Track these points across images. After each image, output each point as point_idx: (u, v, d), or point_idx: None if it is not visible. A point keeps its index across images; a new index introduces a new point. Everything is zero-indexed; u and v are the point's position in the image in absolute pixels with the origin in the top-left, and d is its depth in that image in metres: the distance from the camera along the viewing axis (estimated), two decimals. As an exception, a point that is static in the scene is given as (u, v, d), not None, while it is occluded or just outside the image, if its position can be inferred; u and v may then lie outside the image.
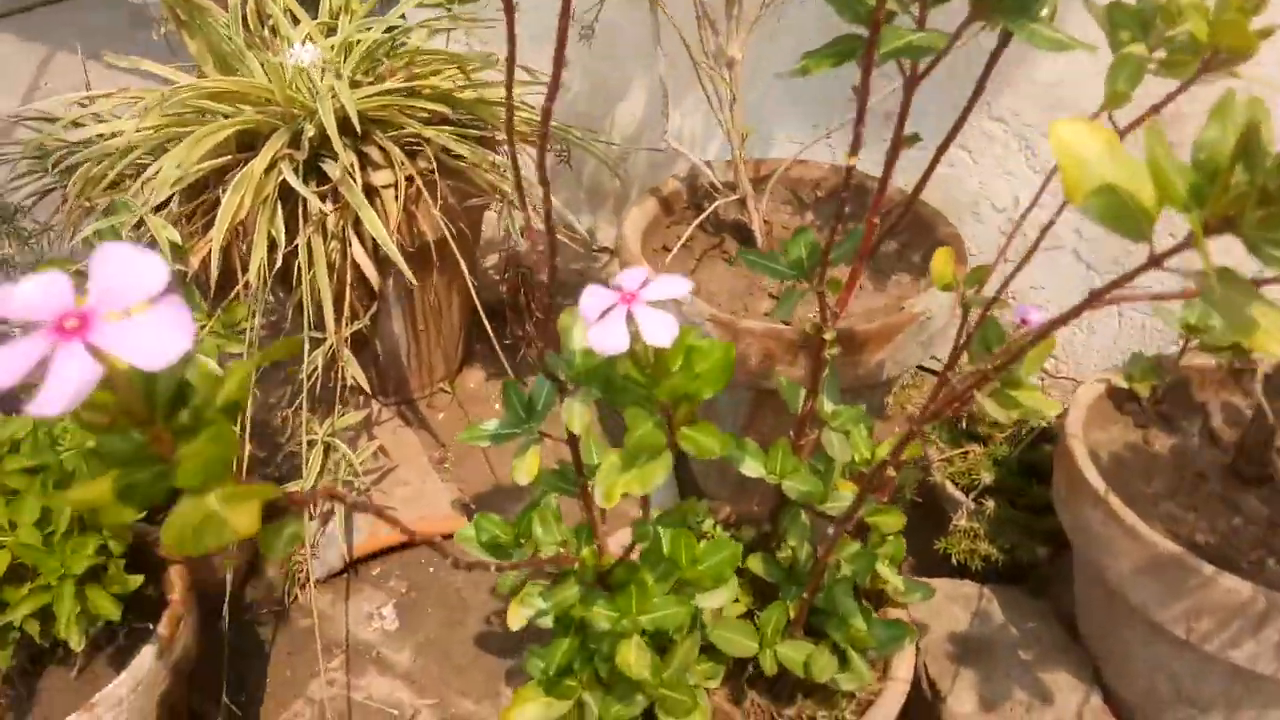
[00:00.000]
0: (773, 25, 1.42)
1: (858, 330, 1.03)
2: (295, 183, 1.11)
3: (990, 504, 1.17)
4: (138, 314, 0.24)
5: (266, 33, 1.30)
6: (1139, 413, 1.06)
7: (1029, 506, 1.18)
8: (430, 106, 1.25)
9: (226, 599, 1.14)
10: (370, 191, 1.19)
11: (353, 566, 1.33)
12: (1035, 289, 1.42)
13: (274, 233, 1.12)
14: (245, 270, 1.13)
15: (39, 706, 0.96)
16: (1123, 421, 1.06)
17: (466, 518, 1.38)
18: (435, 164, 1.21)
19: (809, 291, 0.75)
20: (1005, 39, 0.57)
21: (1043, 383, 1.50)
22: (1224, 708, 0.92)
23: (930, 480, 1.24)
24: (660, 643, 0.76)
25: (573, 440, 0.79)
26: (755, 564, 0.90)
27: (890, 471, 0.74)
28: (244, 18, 1.27)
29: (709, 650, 0.83)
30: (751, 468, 0.79)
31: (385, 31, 1.28)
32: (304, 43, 1.16)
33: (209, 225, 1.14)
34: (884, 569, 0.87)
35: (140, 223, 1.05)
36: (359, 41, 1.27)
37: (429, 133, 1.22)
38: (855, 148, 0.56)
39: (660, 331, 0.45)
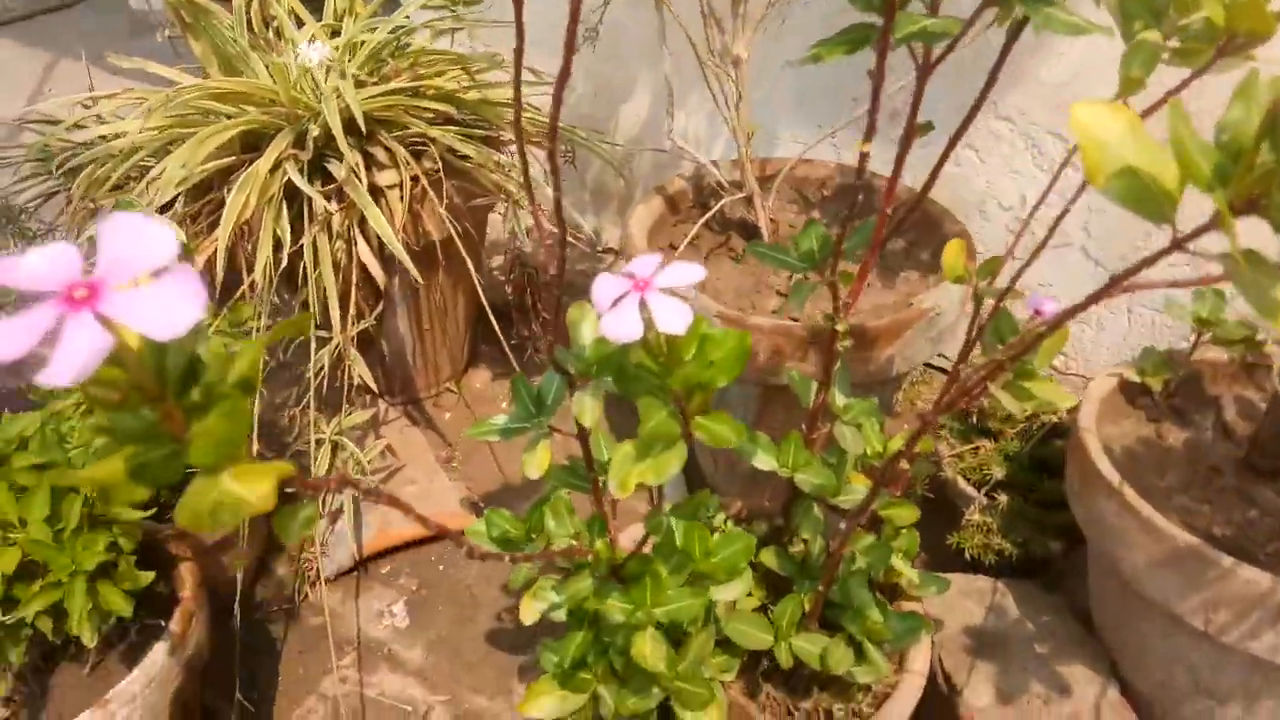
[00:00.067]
0: (778, 26, 1.42)
1: (867, 326, 1.02)
2: (300, 182, 1.11)
3: (1003, 499, 1.16)
4: (148, 284, 0.23)
5: (271, 34, 1.30)
6: (1151, 407, 1.05)
7: (1041, 501, 1.17)
8: (435, 106, 1.25)
9: (238, 597, 1.14)
10: (375, 191, 1.19)
11: (363, 564, 1.33)
12: (1044, 286, 1.41)
13: (279, 233, 1.12)
14: (251, 270, 1.13)
15: (52, 703, 0.96)
16: (1135, 416, 1.05)
17: (475, 515, 1.38)
18: (440, 164, 1.20)
19: (819, 285, 0.75)
20: (1018, 28, 0.56)
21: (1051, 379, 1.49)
22: (1243, 699, 0.91)
23: (942, 475, 1.24)
24: (675, 636, 0.76)
25: (583, 434, 0.78)
26: (768, 558, 0.89)
27: (903, 464, 0.73)
28: (248, 20, 1.27)
29: (724, 644, 0.82)
30: (764, 461, 0.78)
31: (390, 32, 1.28)
32: (311, 42, 1.16)
33: (214, 225, 1.13)
34: (898, 562, 0.86)
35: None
36: (363, 42, 1.27)
37: (434, 133, 1.21)
38: (869, 134, 0.55)
39: (674, 319, 0.44)
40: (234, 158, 1.18)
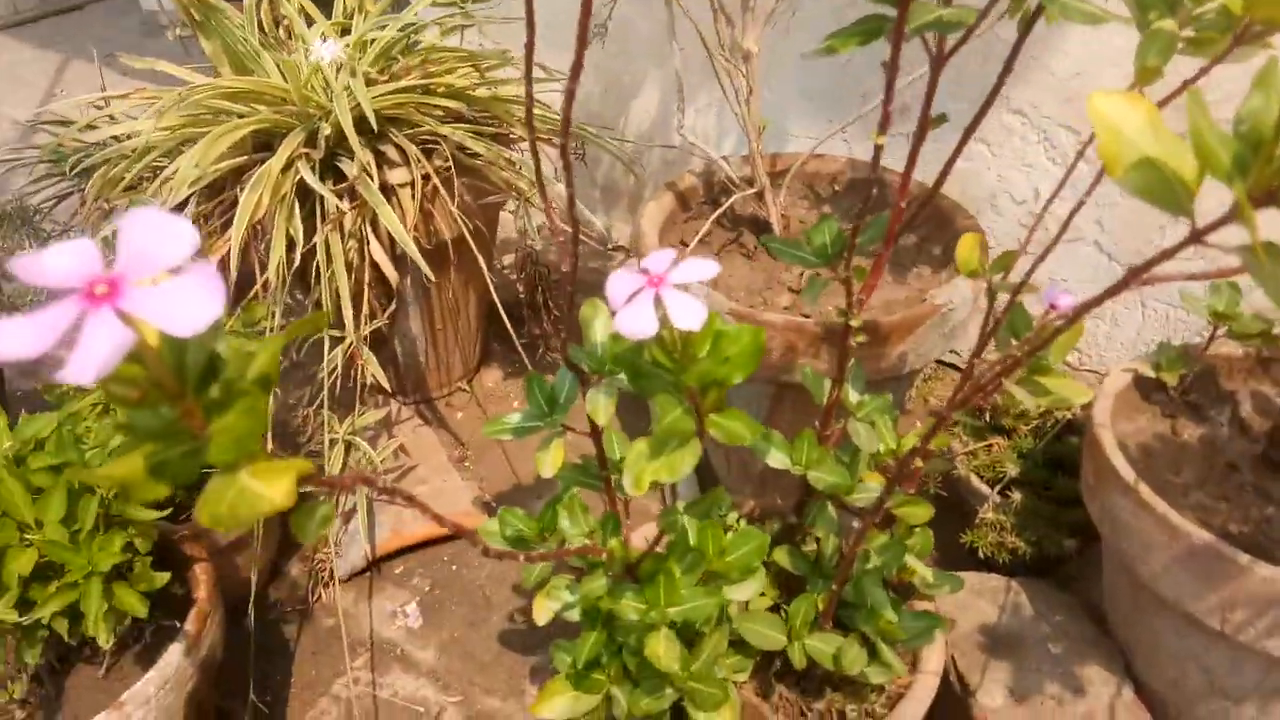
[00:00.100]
0: (787, 20, 1.41)
1: (880, 322, 1.02)
2: (313, 181, 1.12)
3: (1016, 496, 1.16)
4: (168, 280, 0.23)
5: (281, 33, 1.30)
6: (1167, 402, 1.04)
7: (1055, 499, 1.17)
8: (446, 104, 1.25)
9: (252, 597, 1.14)
10: (387, 190, 1.19)
11: (375, 565, 1.33)
12: (1056, 280, 1.41)
13: (292, 232, 1.12)
14: (264, 270, 1.13)
15: (68, 705, 0.97)
16: (1150, 411, 1.04)
17: (487, 515, 1.38)
18: (451, 161, 1.20)
19: (833, 280, 0.74)
20: (1031, 20, 0.56)
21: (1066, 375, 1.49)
22: (1258, 699, 0.91)
23: (955, 473, 1.23)
24: (688, 636, 0.76)
25: (595, 433, 0.78)
26: (781, 557, 0.89)
27: (918, 462, 0.73)
28: (259, 19, 1.28)
29: (737, 644, 0.82)
30: (777, 459, 0.78)
31: (400, 30, 1.28)
32: (324, 39, 1.16)
33: (227, 225, 1.14)
34: (912, 560, 0.86)
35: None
36: (374, 40, 1.27)
37: (445, 130, 1.22)
38: (884, 126, 0.55)
39: (689, 315, 0.44)
40: (246, 157, 1.18)
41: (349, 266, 1.15)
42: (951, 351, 1.56)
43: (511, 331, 1.29)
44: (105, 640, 0.88)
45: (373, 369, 1.20)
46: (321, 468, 1.22)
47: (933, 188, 0.68)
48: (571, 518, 0.78)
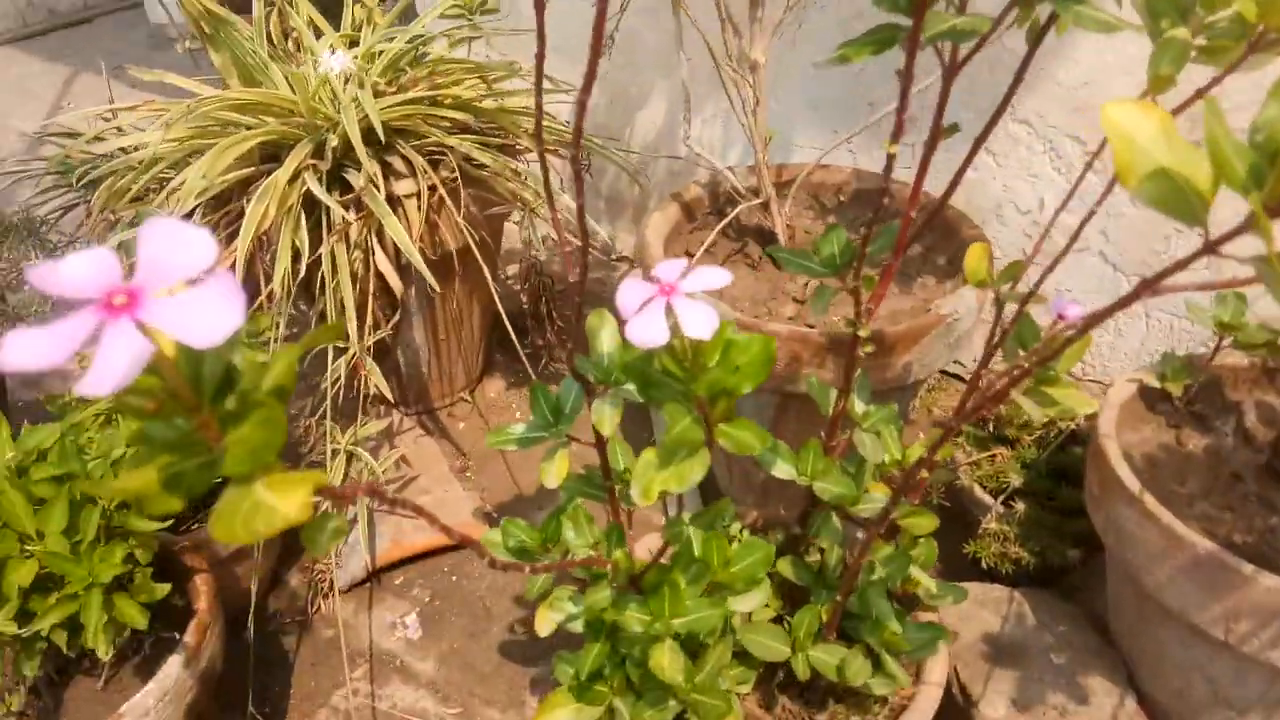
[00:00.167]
0: (794, 31, 1.42)
1: (885, 332, 1.02)
2: (319, 192, 1.12)
3: (1020, 507, 1.15)
4: (187, 290, 0.23)
5: (290, 45, 1.31)
6: (1171, 413, 1.04)
7: (1058, 509, 1.16)
8: (453, 115, 1.25)
9: (251, 609, 1.14)
10: (393, 201, 1.19)
11: (375, 575, 1.32)
12: (1061, 290, 1.41)
13: (298, 243, 1.12)
14: (269, 280, 1.13)
15: (66, 717, 0.96)
16: (1155, 421, 1.04)
17: (488, 526, 1.38)
18: (458, 172, 1.21)
19: (840, 291, 0.74)
20: (1043, 30, 0.56)
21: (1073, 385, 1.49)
22: (1262, 710, 0.90)
23: (958, 483, 1.23)
24: (692, 647, 0.75)
25: (600, 443, 0.78)
26: (785, 567, 0.88)
27: (923, 473, 0.72)
28: (268, 31, 1.28)
29: (740, 655, 0.82)
30: (783, 470, 0.78)
31: (408, 42, 1.29)
32: (333, 51, 1.17)
33: (233, 236, 1.14)
34: (916, 571, 0.86)
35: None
36: (382, 52, 1.27)
37: (451, 141, 1.22)
38: (896, 135, 0.55)
39: (700, 324, 0.44)
40: (253, 168, 1.18)
41: (354, 277, 1.15)
42: (955, 362, 1.56)
43: (515, 342, 1.29)
44: (104, 652, 0.87)
45: (376, 379, 1.20)
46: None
47: (942, 198, 0.68)
48: (576, 529, 0.78)
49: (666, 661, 0.68)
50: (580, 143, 0.49)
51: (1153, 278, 0.46)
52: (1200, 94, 0.54)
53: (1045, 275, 0.69)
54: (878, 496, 0.82)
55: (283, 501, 0.27)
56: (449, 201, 1.21)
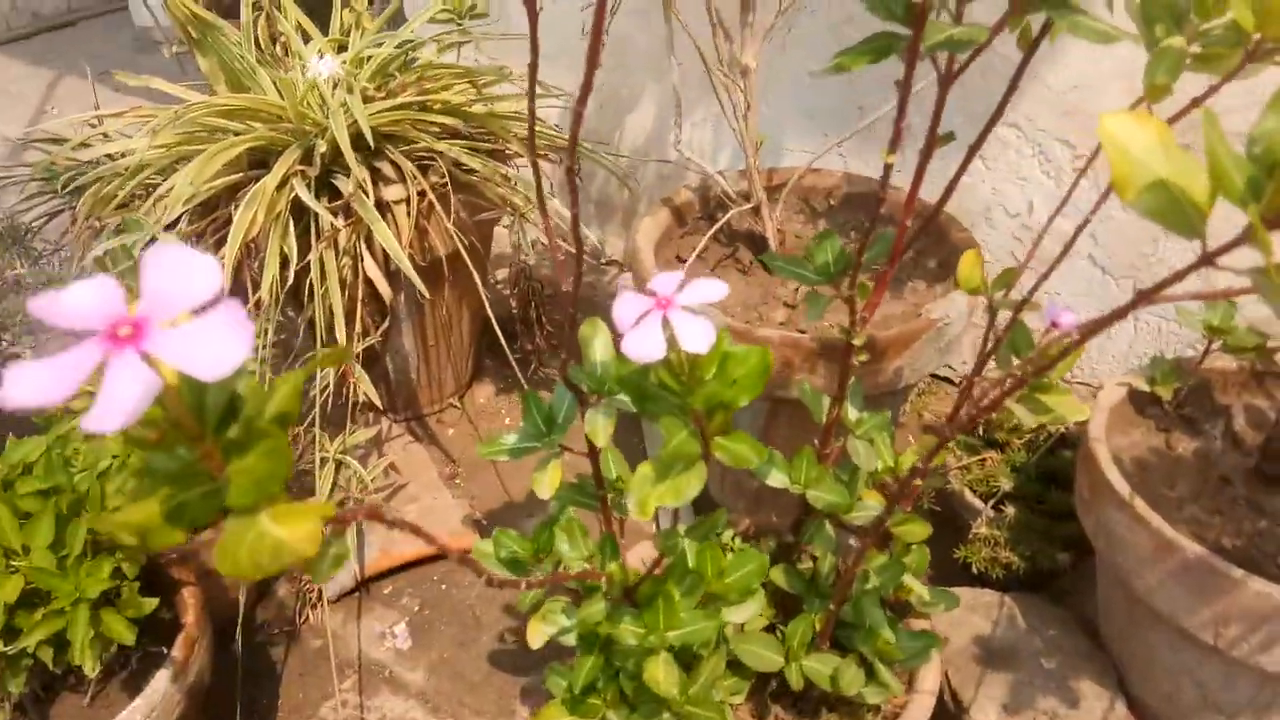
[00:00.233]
0: (784, 35, 1.42)
1: (877, 337, 1.02)
2: (308, 198, 1.11)
3: (1010, 511, 1.16)
4: (192, 320, 0.23)
5: (278, 50, 1.30)
6: (1161, 416, 1.05)
7: (1048, 513, 1.17)
8: (442, 121, 1.24)
9: (239, 620, 1.13)
10: (382, 206, 1.18)
11: (364, 585, 1.31)
12: (1050, 294, 1.41)
13: (286, 249, 1.12)
14: (256, 288, 1.12)
15: (53, 733, 0.95)
16: (1145, 425, 1.05)
17: (478, 533, 1.37)
18: (448, 178, 1.20)
19: (834, 298, 0.74)
20: (1037, 39, 0.56)
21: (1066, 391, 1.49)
22: (1251, 714, 0.91)
23: (948, 488, 1.23)
24: (686, 658, 0.75)
25: (593, 452, 0.77)
26: (777, 576, 0.88)
27: (917, 481, 0.72)
28: (256, 36, 1.27)
29: (733, 665, 0.81)
30: (778, 479, 0.78)
31: (397, 47, 1.28)
32: (321, 56, 1.16)
33: (220, 243, 1.13)
34: (909, 579, 0.86)
35: (152, 241, 1.05)
36: (371, 57, 1.26)
37: (441, 147, 1.21)
38: (894, 145, 0.55)
39: (697, 338, 0.44)
40: (241, 174, 1.17)
41: (343, 284, 1.14)
42: (946, 365, 1.56)
43: (505, 347, 1.28)
44: (91, 669, 0.86)
45: (365, 387, 1.19)
46: (311, 488, 1.20)
47: (937, 205, 0.68)
48: (571, 541, 0.77)
49: (661, 675, 0.68)
50: (575, 158, 0.48)
51: (1150, 289, 0.46)
52: (1196, 103, 0.54)
53: (1040, 282, 0.69)
54: (871, 504, 0.82)
55: (290, 534, 0.26)
56: (438, 207, 1.20)
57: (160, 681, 0.90)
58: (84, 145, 1.26)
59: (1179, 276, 0.44)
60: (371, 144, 1.13)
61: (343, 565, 0.27)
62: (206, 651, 0.99)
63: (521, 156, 1.34)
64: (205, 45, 1.22)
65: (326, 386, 1.17)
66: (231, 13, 1.28)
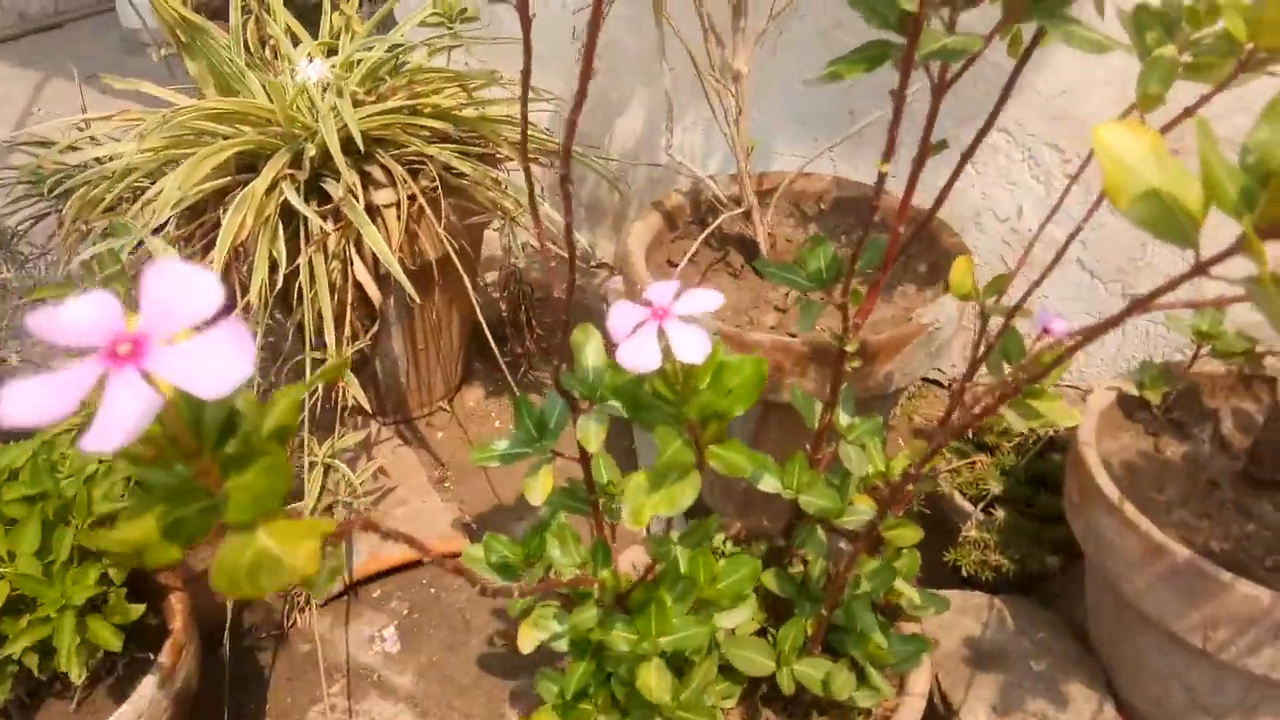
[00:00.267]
0: (774, 39, 1.42)
1: (867, 341, 1.02)
2: (297, 202, 1.10)
3: (999, 514, 1.16)
4: (192, 337, 0.22)
5: (267, 53, 1.29)
6: (1150, 420, 1.05)
7: (1037, 516, 1.17)
8: (432, 124, 1.24)
9: (227, 625, 1.12)
10: (372, 210, 1.18)
11: (353, 589, 1.31)
12: (1039, 298, 1.42)
13: (275, 254, 1.11)
14: (245, 292, 1.12)
15: (38, 741, 0.94)
16: (1133, 429, 1.05)
17: (467, 537, 1.37)
18: (438, 182, 1.20)
19: (828, 304, 0.74)
20: (1031, 45, 0.56)
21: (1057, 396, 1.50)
22: (1239, 716, 0.91)
23: (938, 491, 1.23)
24: (678, 663, 0.75)
25: (584, 458, 0.77)
26: (769, 580, 0.88)
27: (909, 486, 0.72)
28: (245, 39, 1.26)
29: (724, 669, 0.81)
30: (769, 484, 0.78)
31: (387, 50, 1.27)
32: (310, 60, 1.15)
33: (208, 247, 1.12)
34: (900, 583, 0.86)
35: (139, 245, 1.04)
36: (360, 61, 1.26)
37: (431, 150, 1.21)
38: (889, 154, 0.55)
39: (693, 348, 0.44)
40: (229, 178, 1.16)
41: (332, 288, 1.14)
42: (935, 369, 1.57)
43: (495, 350, 1.28)
44: (78, 676, 0.85)
45: (354, 390, 1.18)
46: (300, 492, 1.20)
47: (930, 212, 0.69)
48: (563, 547, 0.77)
49: (654, 681, 0.68)
50: (569, 166, 0.48)
51: (1143, 299, 0.46)
52: (1189, 113, 0.54)
53: (1031, 289, 0.69)
54: (863, 509, 0.82)
55: (289, 552, 0.26)
56: (429, 211, 1.20)
57: (147, 688, 0.89)
58: (73, 149, 1.25)
59: (1171, 286, 0.44)
60: (361, 148, 1.13)
61: (338, 578, 0.27)
62: (194, 657, 0.98)
63: (512, 160, 1.33)
64: (194, 49, 1.21)
65: (316, 390, 1.17)
66: (220, 14, 1.27)
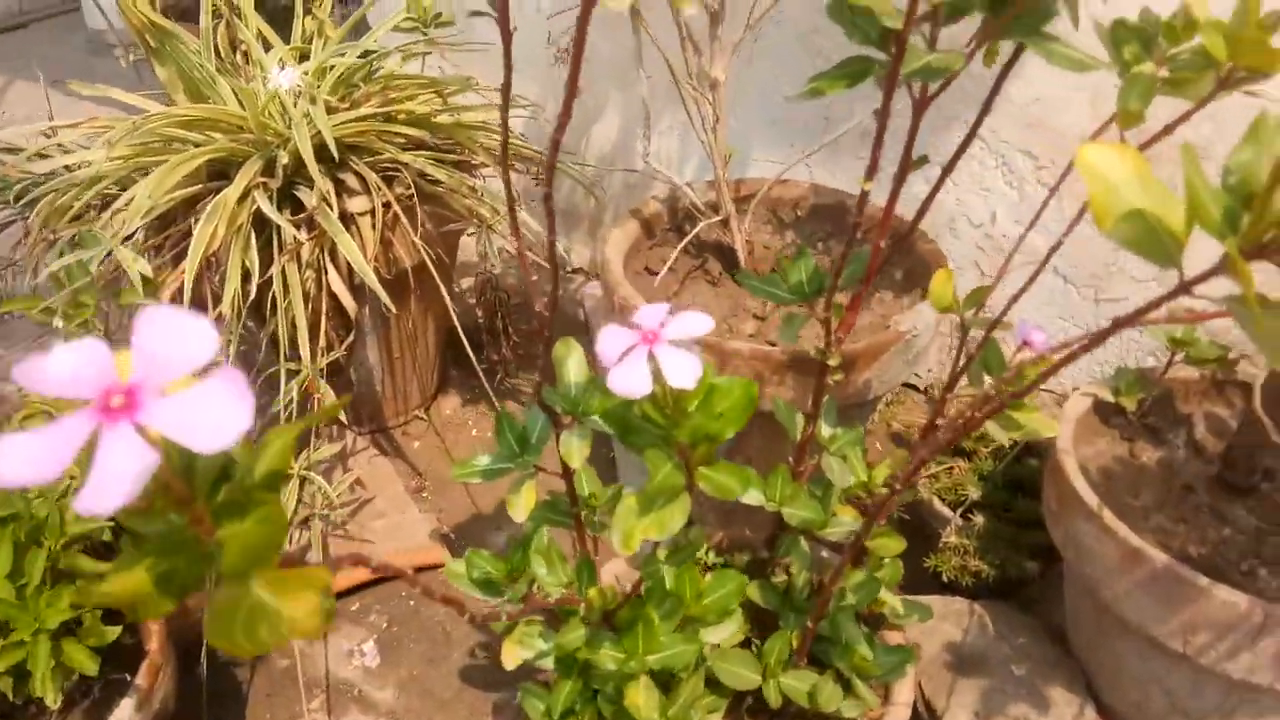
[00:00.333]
0: (750, 46, 1.42)
1: (845, 350, 1.02)
2: (270, 211, 1.09)
3: (978, 519, 1.17)
4: (187, 388, 0.21)
5: (239, 58, 1.27)
6: (1125, 426, 1.06)
7: (1015, 521, 1.18)
8: (407, 131, 1.23)
9: (204, 643, 1.10)
10: (346, 219, 1.16)
11: (332, 602, 1.29)
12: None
13: (248, 263, 1.09)
14: (217, 302, 1.10)
15: (10, 766, 0.92)
16: (1109, 435, 1.06)
17: (446, 547, 1.36)
18: (413, 189, 1.18)
19: (809, 316, 0.74)
20: (1010, 61, 0.56)
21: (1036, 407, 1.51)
22: (1218, 719, 0.92)
23: (917, 497, 1.24)
24: (664, 679, 0.75)
25: (567, 472, 0.77)
26: (753, 591, 0.88)
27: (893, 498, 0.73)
28: (215, 44, 1.24)
29: (711, 683, 0.81)
30: (753, 497, 0.77)
31: (361, 56, 1.26)
32: (283, 67, 1.14)
33: (179, 257, 1.10)
34: (883, 592, 0.86)
35: (108, 255, 1.02)
36: (333, 67, 1.24)
37: (406, 158, 1.20)
38: (871, 173, 0.55)
39: (684, 373, 0.43)
40: (200, 186, 1.15)
41: (306, 297, 1.12)
42: (913, 374, 1.57)
43: (472, 357, 1.27)
44: (53, 700, 0.83)
45: (330, 402, 1.17)
46: (278, 504, 1.18)
47: (911, 224, 0.69)
48: (549, 566, 0.77)
49: (642, 700, 0.67)
50: (552, 182, 0.48)
51: (1127, 317, 0.46)
52: (1168, 130, 0.55)
53: (1011, 303, 0.69)
54: (845, 520, 0.82)
55: (288, 606, 0.25)
56: (404, 219, 1.19)
57: (124, 710, 0.88)
58: (41, 156, 1.23)
59: (1155, 305, 0.44)
60: (335, 155, 1.11)
61: (332, 620, 0.26)
62: (171, 677, 0.97)
63: (488, 166, 1.33)
64: (163, 54, 1.19)
65: (290, 402, 1.15)
66: (189, 14, 1.25)
